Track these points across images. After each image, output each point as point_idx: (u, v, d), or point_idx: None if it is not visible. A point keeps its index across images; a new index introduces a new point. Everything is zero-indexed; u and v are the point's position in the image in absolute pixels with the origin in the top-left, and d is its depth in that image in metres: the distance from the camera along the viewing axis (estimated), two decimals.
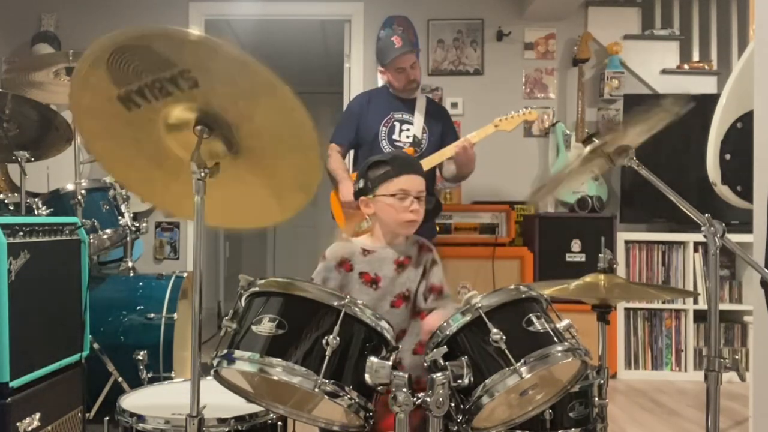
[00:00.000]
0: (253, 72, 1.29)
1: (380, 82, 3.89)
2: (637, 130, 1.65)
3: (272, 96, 1.33)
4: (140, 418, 1.53)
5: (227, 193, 1.52)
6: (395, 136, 3.18)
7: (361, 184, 1.82)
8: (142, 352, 2.57)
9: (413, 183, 1.77)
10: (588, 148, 1.65)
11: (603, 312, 1.85)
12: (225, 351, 1.36)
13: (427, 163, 3.05)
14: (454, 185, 4.32)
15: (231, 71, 1.33)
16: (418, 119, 3.19)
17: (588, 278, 1.88)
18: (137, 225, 3.05)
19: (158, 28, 1.30)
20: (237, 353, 1.34)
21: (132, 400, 1.67)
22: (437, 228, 3.87)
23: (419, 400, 1.30)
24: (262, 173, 1.52)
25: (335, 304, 1.34)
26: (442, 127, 3.25)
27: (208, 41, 1.28)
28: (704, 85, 4.55)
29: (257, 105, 1.37)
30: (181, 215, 1.48)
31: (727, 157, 2.22)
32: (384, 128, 3.18)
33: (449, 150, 3.08)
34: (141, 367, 2.55)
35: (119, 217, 2.99)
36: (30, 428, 1.96)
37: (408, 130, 3.19)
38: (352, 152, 3.40)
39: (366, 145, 3.20)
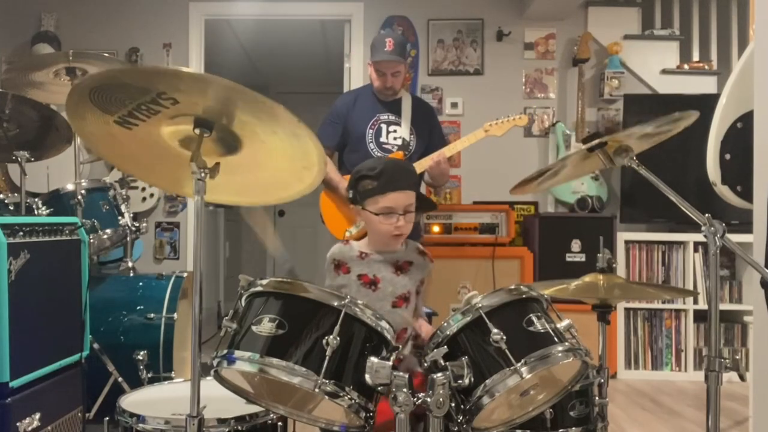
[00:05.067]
0: (218, 85, 1.31)
1: None
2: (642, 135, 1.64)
3: (249, 102, 1.36)
4: (140, 419, 1.53)
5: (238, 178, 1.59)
6: (383, 139, 3.13)
7: (351, 194, 1.84)
8: (142, 352, 2.56)
9: (399, 200, 1.76)
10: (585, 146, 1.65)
11: (603, 312, 1.85)
12: (225, 351, 1.36)
13: (423, 164, 3.02)
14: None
15: (198, 88, 1.36)
16: (405, 121, 3.15)
17: (587, 278, 1.88)
18: (137, 225, 3.05)
19: (118, 68, 1.41)
20: (237, 353, 1.34)
21: (132, 400, 1.67)
22: (438, 228, 3.87)
23: (419, 401, 1.31)
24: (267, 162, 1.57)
25: (335, 304, 1.34)
26: (429, 128, 3.22)
27: (163, 70, 1.38)
28: (704, 85, 4.55)
29: (236, 108, 1.40)
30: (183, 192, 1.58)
31: (727, 157, 2.22)
32: (371, 130, 3.13)
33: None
34: (141, 367, 2.54)
35: (119, 217, 2.98)
36: (30, 428, 1.96)
37: (395, 131, 3.14)
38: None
39: (353, 148, 3.15)
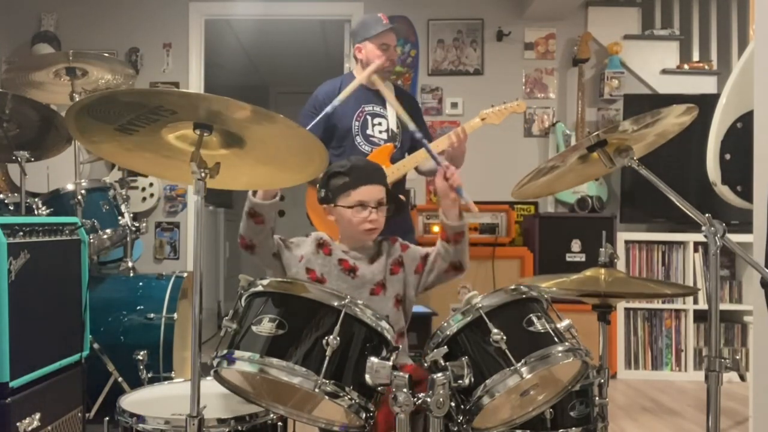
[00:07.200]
0: (211, 101, 1.32)
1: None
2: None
3: (244, 109, 1.37)
4: (140, 419, 1.53)
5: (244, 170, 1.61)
6: (369, 132, 2.92)
7: (322, 193, 1.85)
8: (142, 352, 2.56)
9: (371, 193, 1.79)
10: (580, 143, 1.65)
11: (603, 312, 1.85)
12: (225, 351, 1.36)
13: (417, 158, 2.86)
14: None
15: (192, 103, 1.37)
16: (391, 112, 2.96)
17: (588, 272, 1.87)
18: (137, 225, 3.05)
19: (112, 90, 1.50)
20: (237, 353, 1.34)
21: (132, 400, 1.67)
22: (438, 228, 3.86)
23: (419, 401, 1.31)
24: (268, 160, 1.59)
25: (336, 304, 1.35)
26: (414, 118, 2.95)
27: (153, 91, 1.38)
28: (704, 85, 4.55)
29: (232, 116, 1.40)
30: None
31: (727, 157, 2.22)
32: (357, 123, 2.91)
33: (443, 142, 2.79)
34: (141, 367, 2.54)
35: (119, 217, 2.98)
36: (30, 428, 1.96)
37: (381, 124, 2.95)
38: None
39: (337, 143, 2.93)
